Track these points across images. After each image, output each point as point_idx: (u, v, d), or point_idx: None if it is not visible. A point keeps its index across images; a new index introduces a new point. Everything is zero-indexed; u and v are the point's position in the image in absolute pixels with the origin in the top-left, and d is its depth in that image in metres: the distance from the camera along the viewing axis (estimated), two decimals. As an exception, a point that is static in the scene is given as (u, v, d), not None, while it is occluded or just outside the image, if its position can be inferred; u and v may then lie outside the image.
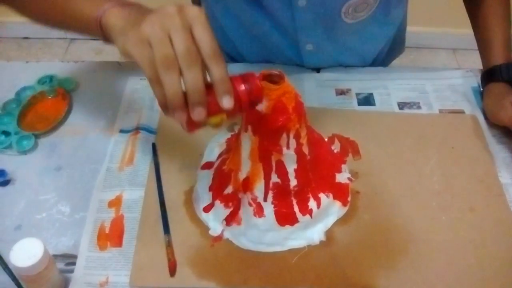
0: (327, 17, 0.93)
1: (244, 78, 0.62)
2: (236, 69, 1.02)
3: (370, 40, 1.04)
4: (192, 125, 0.60)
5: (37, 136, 0.90)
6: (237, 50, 1.09)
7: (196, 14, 0.58)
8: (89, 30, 0.71)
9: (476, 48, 1.00)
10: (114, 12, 0.67)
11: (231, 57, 1.13)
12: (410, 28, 1.19)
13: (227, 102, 0.58)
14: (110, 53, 2.38)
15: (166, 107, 0.58)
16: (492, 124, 0.93)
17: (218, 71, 0.57)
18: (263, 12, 0.95)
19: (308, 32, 0.96)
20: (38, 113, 0.94)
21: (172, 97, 0.56)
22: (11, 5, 0.81)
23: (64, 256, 0.74)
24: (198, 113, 0.57)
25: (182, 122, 0.59)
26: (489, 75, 0.95)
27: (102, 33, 0.69)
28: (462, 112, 0.96)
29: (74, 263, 0.73)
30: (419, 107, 0.96)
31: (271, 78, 0.69)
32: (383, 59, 1.13)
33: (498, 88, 0.93)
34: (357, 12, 0.93)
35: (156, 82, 0.57)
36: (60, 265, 0.73)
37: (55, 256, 0.73)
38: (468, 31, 1.04)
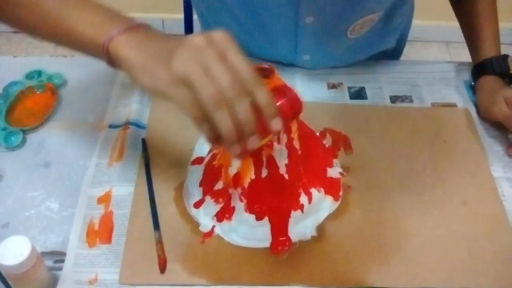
0: (331, 34, 0.93)
1: (281, 91, 0.62)
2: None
3: (368, 49, 1.03)
4: (245, 152, 0.58)
5: (25, 132, 0.89)
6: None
7: (225, 40, 0.54)
8: (92, 54, 0.66)
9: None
10: (124, 41, 0.60)
11: None
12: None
13: (277, 125, 0.56)
14: (101, 47, 2.38)
15: (217, 141, 0.57)
16: (484, 118, 0.92)
17: (263, 96, 0.54)
18: (261, 30, 0.94)
19: (308, 47, 0.96)
20: (26, 108, 0.93)
21: (229, 133, 0.54)
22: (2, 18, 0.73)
23: (52, 254, 0.73)
24: (253, 141, 0.56)
25: (236, 151, 0.57)
26: (480, 69, 0.95)
27: (110, 61, 0.63)
28: (454, 105, 0.95)
29: (62, 261, 0.72)
30: (411, 101, 0.96)
31: (261, 72, 0.68)
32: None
33: (490, 82, 0.93)
34: (362, 29, 0.93)
35: (204, 121, 0.54)
36: (49, 262, 0.72)
37: (44, 253, 0.73)
38: (461, 24, 1.03)
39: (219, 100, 0.52)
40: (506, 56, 0.93)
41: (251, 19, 0.95)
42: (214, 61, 0.53)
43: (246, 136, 0.55)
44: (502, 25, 0.98)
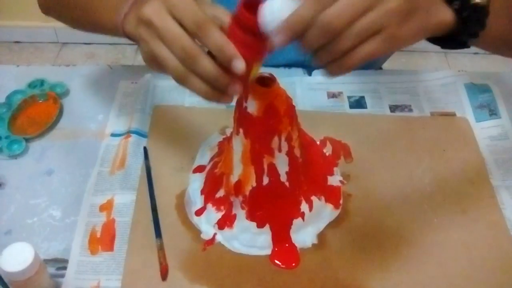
0: None
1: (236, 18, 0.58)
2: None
3: None
4: (242, 87, 0.58)
5: (27, 140, 0.89)
6: None
7: None
8: (120, 36, 0.69)
9: (467, 51, 1.00)
10: (132, 18, 0.64)
11: None
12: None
13: (238, 66, 0.55)
14: (102, 57, 2.39)
15: (212, 95, 0.58)
16: (483, 125, 0.93)
17: (213, 43, 0.55)
18: None
19: None
20: (29, 117, 0.94)
21: (215, 78, 0.56)
22: (55, 15, 0.86)
23: (55, 261, 0.74)
24: (239, 65, 0.55)
25: (236, 91, 0.58)
26: None
27: (131, 40, 0.66)
28: (453, 114, 0.96)
29: (65, 268, 0.73)
30: (410, 110, 0.97)
31: (262, 81, 0.69)
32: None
33: None
34: None
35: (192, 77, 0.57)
36: (51, 269, 0.72)
37: (46, 260, 0.73)
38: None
39: (193, 50, 0.55)
40: None
41: None
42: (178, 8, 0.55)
43: (229, 63, 0.55)
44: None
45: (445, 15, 0.64)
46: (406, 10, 0.55)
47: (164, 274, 0.72)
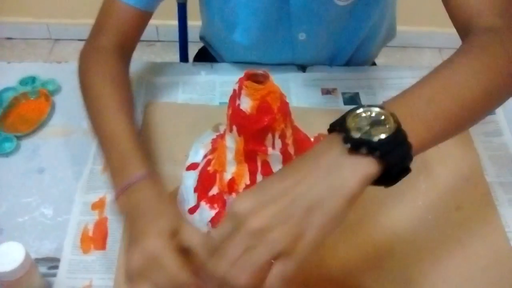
0: (319, 0, 0.91)
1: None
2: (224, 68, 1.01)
3: (361, 20, 1.00)
4: None
5: (19, 138, 0.88)
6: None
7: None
8: None
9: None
10: (121, 202, 0.68)
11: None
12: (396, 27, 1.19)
13: None
14: (95, 54, 2.37)
15: None
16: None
17: None
18: (256, 18, 0.95)
19: (301, 19, 0.95)
20: (20, 114, 0.93)
21: None
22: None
23: (46, 260, 0.73)
24: None
25: None
26: None
27: None
28: (447, 111, 0.95)
29: (57, 267, 0.72)
30: (405, 106, 0.96)
31: (255, 78, 0.68)
32: (373, 46, 1.11)
33: None
34: None
35: None
36: (43, 269, 0.72)
37: (38, 259, 0.72)
38: (454, 30, 1.03)
39: None
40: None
41: (244, 10, 0.95)
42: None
43: None
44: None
45: (354, 178, 0.52)
46: (292, 230, 0.50)
47: None
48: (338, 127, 0.55)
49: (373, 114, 0.54)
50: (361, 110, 0.55)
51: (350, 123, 0.54)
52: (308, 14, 0.94)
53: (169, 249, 0.59)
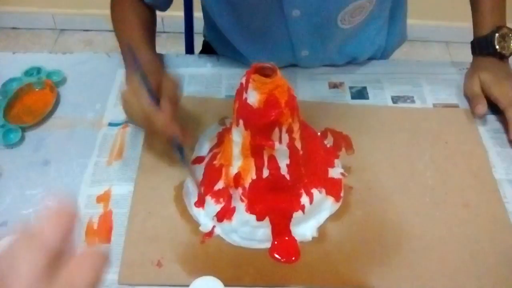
0: (322, 25, 0.92)
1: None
2: (227, 62, 1.01)
3: (368, 40, 1.02)
4: None
5: (24, 129, 0.88)
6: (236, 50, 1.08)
7: None
8: None
9: (469, 41, 0.99)
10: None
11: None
12: (403, 21, 1.17)
13: None
14: (101, 44, 2.36)
15: None
16: (486, 118, 0.92)
17: None
18: (258, 23, 0.94)
19: (303, 40, 0.95)
20: (25, 105, 0.92)
21: None
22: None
23: (51, 253, 0.73)
24: None
25: None
26: (472, 49, 0.98)
27: None
28: (456, 106, 0.95)
29: (61, 260, 0.72)
30: (413, 101, 0.95)
31: (263, 71, 0.67)
32: (382, 53, 1.11)
33: (477, 61, 0.96)
34: (353, 17, 0.92)
35: None
36: (47, 262, 0.71)
37: (42, 252, 0.72)
38: (461, 24, 1.03)
39: None
40: (493, 35, 0.93)
41: (245, 25, 0.96)
42: None
43: None
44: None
45: None
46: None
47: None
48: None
49: None
50: None
51: None
52: (311, 36, 0.94)
53: (144, 89, 0.75)
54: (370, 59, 1.04)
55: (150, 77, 0.77)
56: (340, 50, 1.00)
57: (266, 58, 0.99)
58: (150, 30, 0.95)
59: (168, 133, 0.76)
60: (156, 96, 0.76)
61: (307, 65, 1.01)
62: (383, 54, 1.11)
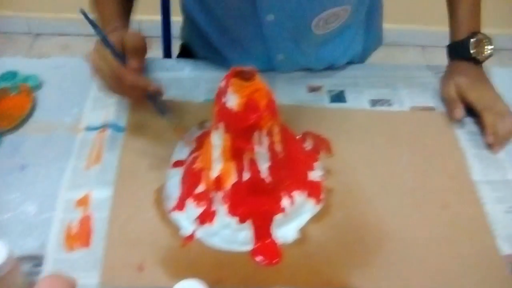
0: (297, 31, 0.93)
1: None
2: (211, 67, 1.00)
3: (344, 46, 1.02)
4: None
5: (0, 134, 0.86)
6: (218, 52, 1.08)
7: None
8: None
9: (444, 45, 1.00)
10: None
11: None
12: (379, 26, 1.19)
13: None
14: (77, 48, 2.34)
15: None
16: (463, 121, 0.93)
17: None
18: (234, 25, 0.95)
19: (278, 45, 0.96)
20: (1, 110, 0.91)
21: None
22: None
23: (30, 258, 0.72)
24: None
25: None
26: (447, 53, 0.99)
27: None
28: (433, 109, 0.96)
29: (41, 265, 0.71)
30: (390, 105, 0.96)
31: (242, 75, 0.68)
32: (359, 57, 1.12)
33: (453, 66, 0.98)
34: (328, 24, 0.92)
35: None
36: (27, 267, 0.70)
37: (21, 257, 0.71)
38: (437, 28, 1.04)
39: None
40: (469, 40, 0.94)
41: (222, 27, 0.97)
42: None
43: None
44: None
45: None
46: None
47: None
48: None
49: None
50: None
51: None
52: (285, 40, 0.95)
53: (107, 50, 0.77)
54: (348, 63, 1.05)
55: (110, 36, 0.78)
56: (316, 55, 1.00)
57: (243, 60, 1.00)
58: (123, 4, 0.94)
59: (140, 85, 0.78)
60: (120, 54, 0.78)
61: (283, 69, 1.01)
62: (360, 58, 1.12)
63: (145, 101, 0.82)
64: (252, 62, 1.00)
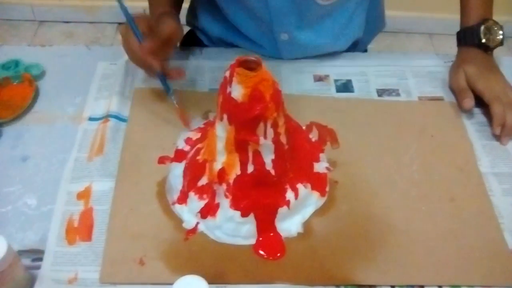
0: (301, 1, 0.91)
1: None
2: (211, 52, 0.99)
3: (346, 21, 1.00)
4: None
5: (1, 125, 0.86)
6: (211, 35, 1.07)
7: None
8: None
9: (452, 33, 0.99)
10: None
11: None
12: (386, 13, 1.17)
13: None
14: (81, 36, 2.33)
15: None
16: (472, 111, 0.91)
17: None
18: (238, 4, 0.94)
19: (282, 20, 0.94)
20: (3, 100, 0.90)
21: None
22: None
23: (30, 252, 0.71)
24: None
25: None
26: (457, 40, 0.98)
27: None
28: (441, 99, 0.94)
29: (41, 259, 0.70)
30: (398, 94, 0.95)
31: (247, 65, 0.66)
32: (362, 40, 1.10)
33: (463, 53, 0.96)
34: None
35: None
36: (26, 261, 0.69)
37: (21, 252, 0.70)
38: (444, 15, 1.03)
39: None
40: (479, 26, 0.93)
41: (227, 8, 0.97)
42: None
43: None
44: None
45: None
46: None
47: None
48: None
49: None
50: None
51: None
52: (289, 14, 0.93)
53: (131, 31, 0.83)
54: (352, 48, 1.03)
55: (139, 21, 0.84)
56: (319, 31, 0.98)
57: (248, 45, 0.99)
58: None
59: (147, 62, 0.83)
60: (140, 33, 0.83)
61: (287, 54, 1.00)
62: (363, 41, 1.11)
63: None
64: (257, 47, 1.00)
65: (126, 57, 0.90)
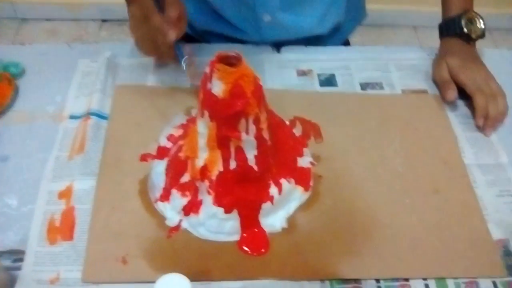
0: None
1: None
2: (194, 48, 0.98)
3: (328, 2, 1.00)
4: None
5: (-20, 124, 0.84)
6: (195, 25, 1.06)
7: None
8: None
9: (437, 25, 0.98)
10: None
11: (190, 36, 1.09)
12: (371, 6, 1.16)
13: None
14: (64, 33, 2.30)
15: None
16: (456, 103, 0.91)
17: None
18: None
19: (264, 1, 0.94)
20: (-18, 99, 0.89)
21: None
22: None
23: (10, 253, 0.70)
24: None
25: None
26: (439, 31, 0.98)
27: None
28: (425, 92, 0.94)
29: (22, 260, 0.69)
30: (381, 88, 0.94)
31: (228, 60, 0.65)
32: (343, 26, 1.10)
33: (446, 45, 0.97)
34: None
35: None
36: (7, 262, 0.69)
37: (1, 252, 0.69)
38: (429, 8, 1.03)
39: None
40: (460, 17, 0.94)
41: None
42: None
43: None
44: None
45: None
46: None
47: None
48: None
49: None
50: None
51: None
52: None
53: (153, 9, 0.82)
54: (334, 33, 1.02)
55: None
56: (301, 12, 0.98)
57: (230, 30, 1.00)
58: None
59: (164, 32, 0.83)
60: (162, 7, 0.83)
61: (270, 37, 1.00)
62: (344, 27, 1.11)
63: (169, 61, 0.91)
64: (240, 33, 0.99)
65: (108, 53, 0.89)
